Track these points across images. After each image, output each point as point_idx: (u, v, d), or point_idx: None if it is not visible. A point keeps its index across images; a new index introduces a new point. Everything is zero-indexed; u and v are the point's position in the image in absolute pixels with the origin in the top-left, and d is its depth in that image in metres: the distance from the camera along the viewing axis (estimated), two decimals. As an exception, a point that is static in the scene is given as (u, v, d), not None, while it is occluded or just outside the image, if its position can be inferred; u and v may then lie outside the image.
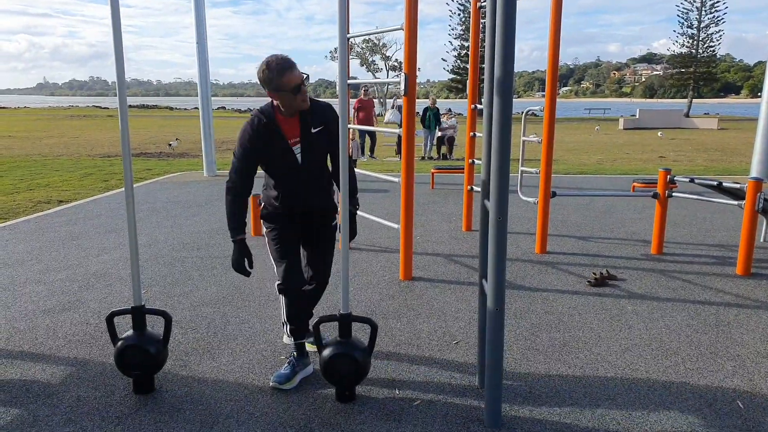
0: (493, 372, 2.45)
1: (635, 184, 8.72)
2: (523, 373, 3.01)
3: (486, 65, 2.53)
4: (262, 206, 2.89)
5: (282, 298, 2.89)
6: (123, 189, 8.75)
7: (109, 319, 2.73)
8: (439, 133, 14.86)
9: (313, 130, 2.77)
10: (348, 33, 5.02)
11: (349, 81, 5.11)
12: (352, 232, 3.00)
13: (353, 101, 12.29)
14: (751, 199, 4.69)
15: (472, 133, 5.94)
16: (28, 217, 6.64)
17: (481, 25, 5.78)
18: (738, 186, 5.20)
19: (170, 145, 16.42)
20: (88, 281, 4.36)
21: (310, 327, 2.95)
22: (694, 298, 4.19)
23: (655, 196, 5.29)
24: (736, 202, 5.00)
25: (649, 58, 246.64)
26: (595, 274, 4.60)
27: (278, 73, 2.60)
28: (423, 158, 14.61)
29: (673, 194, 5.31)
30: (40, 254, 5.06)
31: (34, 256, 4.99)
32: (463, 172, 9.08)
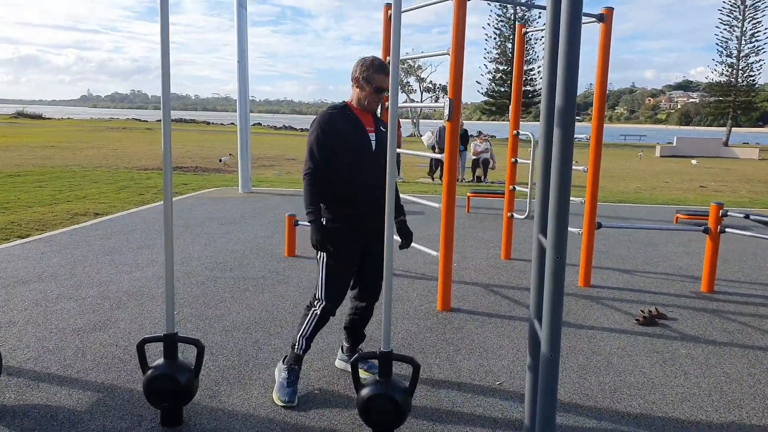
0: (545, 425, 2.25)
1: (678, 215, 8.38)
2: (572, 425, 2.79)
3: (543, 93, 2.39)
4: (326, 222, 2.90)
5: (316, 319, 2.93)
6: (158, 203, 8.79)
7: (140, 346, 2.63)
8: (473, 156, 14.68)
9: (382, 129, 3.00)
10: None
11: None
12: (410, 238, 3.18)
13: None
14: (814, 238, 4.40)
15: (513, 159, 5.76)
16: (64, 229, 6.69)
17: (521, 51, 5.64)
18: (799, 224, 4.89)
19: (221, 160, 16.20)
20: (120, 299, 4.30)
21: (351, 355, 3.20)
22: (752, 343, 3.90)
23: (706, 230, 5.02)
24: (796, 241, 4.70)
25: (686, 86, 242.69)
26: (643, 311, 4.35)
27: (376, 69, 2.86)
28: (459, 181, 14.48)
29: (726, 230, 5.02)
30: (73, 269, 5.04)
31: (68, 271, 4.97)
32: (500, 197, 8.90)
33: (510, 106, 5.79)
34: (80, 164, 14.99)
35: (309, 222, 2.85)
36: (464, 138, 14.53)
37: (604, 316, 4.32)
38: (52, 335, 3.60)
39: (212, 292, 4.57)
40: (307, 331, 2.94)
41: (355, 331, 3.23)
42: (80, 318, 3.90)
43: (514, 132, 5.72)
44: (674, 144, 33.91)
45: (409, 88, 50.94)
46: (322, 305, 2.91)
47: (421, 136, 13.82)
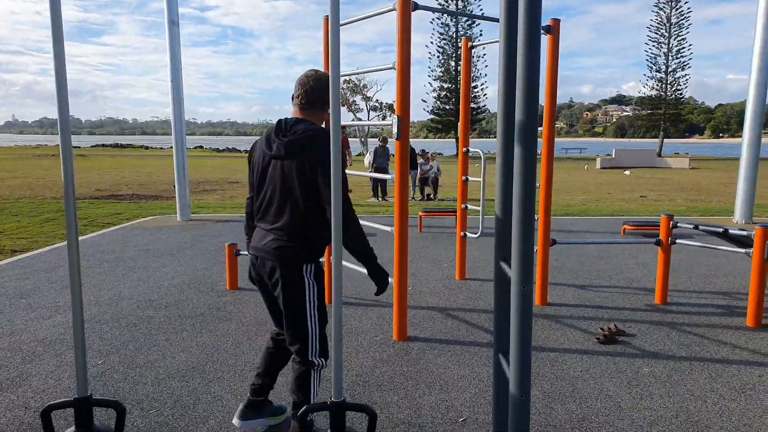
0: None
1: (626, 227, 8.48)
2: (547, 463, 2.56)
3: (499, 108, 2.19)
4: (309, 252, 2.44)
5: (315, 377, 2.51)
6: (88, 236, 8.17)
7: (46, 414, 2.22)
8: (419, 176, 14.62)
9: None
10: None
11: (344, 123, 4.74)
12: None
13: None
14: (760, 247, 4.41)
15: (464, 178, 5.60)
16: (-24, 269, 6.04)
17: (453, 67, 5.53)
18: (746, 233, 4.92)
19: (175, 187, 15.35)
20: (35, 350, 3.80)
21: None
22: (710, 355, 3.83)
23: (658, 243, 4.98)
24: (743, 251, 4.72)
25: (620, 100, 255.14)
26: (603, 329, 4.22)
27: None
28: (411, 198, 14.36)
29: (677, 241, 5.00)
30: (-17, 315, 4.48)
31: (-23, 318, 4.41)
32: (452, 215, 8.76)
33: (458, 124, 5.65)
34: (1, 196, 13.95)
35: (374, 260, 2.47)
36: (412, 156, 14.47)
37: (564, 336, 4.16)
38: (-50, 399, 3.10)
39: (144, 334, 4.13)
40: (312, 394, 2.52)
41: (275, 374, 2.80)
42: (-14, 375, 3.40)
43: (464, 150, 5.57)
44: (613, 156, 35.22)
45: (356, 107, 50.96)
46: (322, 358, 2.51)
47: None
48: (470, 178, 5.64)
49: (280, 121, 2.48)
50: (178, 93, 9.56)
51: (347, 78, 50.17)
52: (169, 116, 9.73)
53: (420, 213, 8.74)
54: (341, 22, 4.50)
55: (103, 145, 58.93)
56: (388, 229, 4.16)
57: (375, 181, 13.95)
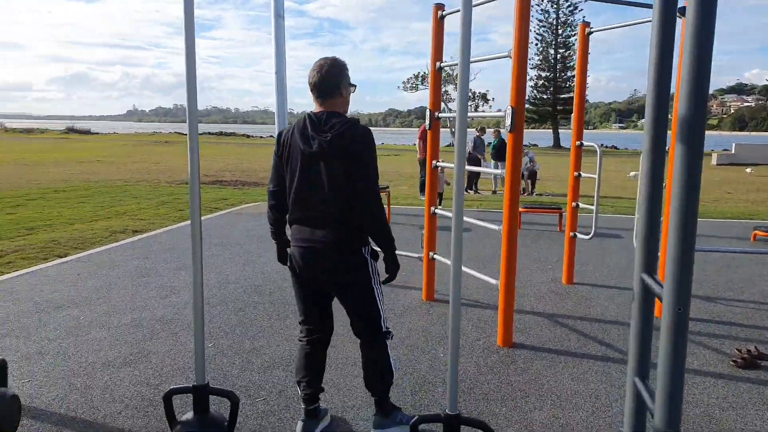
0: None
1: (757, 232, 7.65)
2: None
3: (649, 102, 1.94)
4: (362, 235, 2.57)
5: (389, 350, 2.71)
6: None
7: (167, 399, 2.28)
8: None
9: None
10: (441, 62, 4.54)
11: (442, 114, 4.60)
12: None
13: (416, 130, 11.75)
14: None
15: (576, 173, 5.26)
16: (102, 248, 6.52)
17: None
18: None
19: None
20: (153, 328, 4.00)
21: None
22: None
23: (804, 254, 4.40)
24: None
25: (740, 89, 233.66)
26: (740, 351, 3.77)
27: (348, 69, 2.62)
28: (494, 192, 13.88)
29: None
30: (108, 292, 4.80)
31: (102, 295, 4.72)
32: (554, 212, 8.35)
33: (572, 114, 5.30)
34: (123, 179, 15.12)
35: (393, 249, 2.59)
36: (503, 148, 13.97)
37: (694, 356, 3.77)
38: (81, 370, 3.31)
39: (250, 320, 4.23)
40: (393, 365, 2.73)
41: (321, 375, 2.80)
42: (111, 350, 3.61)
43: (577, 143, 5.23)
44: (732, 151, 32.27)
45: (448, 96, 50.41)
46: (388, 329, 2.72)
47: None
48: (583, 174, 5.28)
49: (310, 115, 2.53)
50: (282, 83, 9.81)
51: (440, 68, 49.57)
52: (269, 106, 10.05)
53: (519, 209, 8.39)
54: (447, 11, 4.31)
55: (209, 133, 62.54)
56: (496, 227, 3.96)
57: (470, 172, 13.60)
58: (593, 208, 5.23)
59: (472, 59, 4.60)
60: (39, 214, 8.68)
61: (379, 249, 2.59)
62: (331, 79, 2.52)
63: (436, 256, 4.70)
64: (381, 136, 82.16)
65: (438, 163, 4.60)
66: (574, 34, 47.86)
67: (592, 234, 5.15)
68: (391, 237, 2.56)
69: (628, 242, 7.31)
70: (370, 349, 2.68)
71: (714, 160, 30.85)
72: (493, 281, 4.01)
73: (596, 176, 5.09)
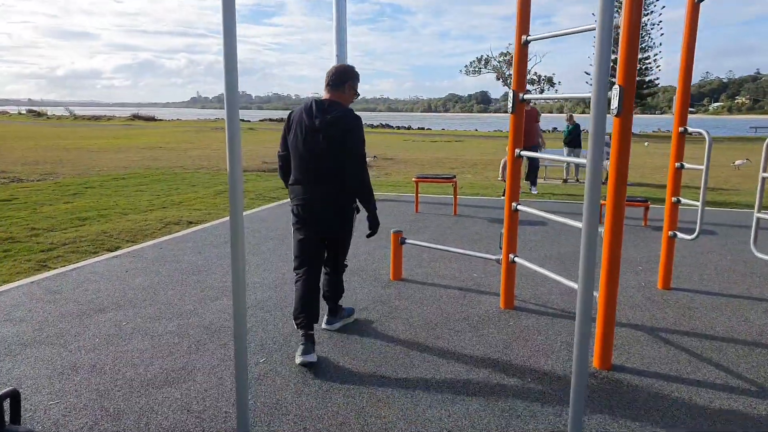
0: None
1: None
2: None
3: None
4: (352, 199, 3.41)
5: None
6: (255, 210, 8.30)
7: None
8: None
9: None
10: (528, 35, 3.91)
11: (529, 96, 3.98)
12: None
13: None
14: None
15: (678, 164, 4.52)
16: (154, 240, 6.27)
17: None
18: None
19: (374, 157, 15.24)
20: (200, 338, 3.62)
21: None
22: None
23: None
24: None
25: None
26: None
27: (358, 76, 3.43)
28: (565, 181, 12.97)
29: None
30: (155, 292, 4.48)
31: (150, 295, 4.41)
32: (639, 205, 7.48)
33: (675, 96, 4.55)
34: (183, 165, 15.16)
35: (374, 210, 3.41)
36: (577, 134, 12.99)
37: None
38: (117, 389, 2.95)
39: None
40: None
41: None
42: (152, 364, 3.24)
43: (680, 129, 4.48)
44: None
45: (512, 80, 48.76)
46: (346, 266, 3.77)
47: None
48: (686, 165, 4.53)
49: (317, 100, 3.31)
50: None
51: (505, 51, 48.25)
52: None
53: (601, 201, 7.60)
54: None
55: (270, 119, 63.35)
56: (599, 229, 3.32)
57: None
58: (696, 203, 4.48)
59: (571, 30, 3.88)
60: (95, 203, 8.61)
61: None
62: (341, 76, 3.35)
63: (517, 259, 4.10)
64: (442, 122, 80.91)
65: (523, 153, 3.98)
66: (648, 13, 45.13)
67: (696, 233, 4.42)
68: (373, 199, 3.38)
69: (725, 240, 6.45)
70: (337, 275, 3.71)
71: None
72: (595, 293, 3.38)
73: (703, 168, 4.33)
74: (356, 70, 3.43)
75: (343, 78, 3.35)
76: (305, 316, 3.33)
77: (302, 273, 3.43)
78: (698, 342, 3.66)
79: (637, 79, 45.96)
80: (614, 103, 3.04)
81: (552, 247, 6.11)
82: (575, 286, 3.59)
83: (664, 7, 46.88)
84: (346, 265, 3.74)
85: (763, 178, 4.37)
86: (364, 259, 5.51)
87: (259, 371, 3.18)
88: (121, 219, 7.43)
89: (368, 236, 3.45)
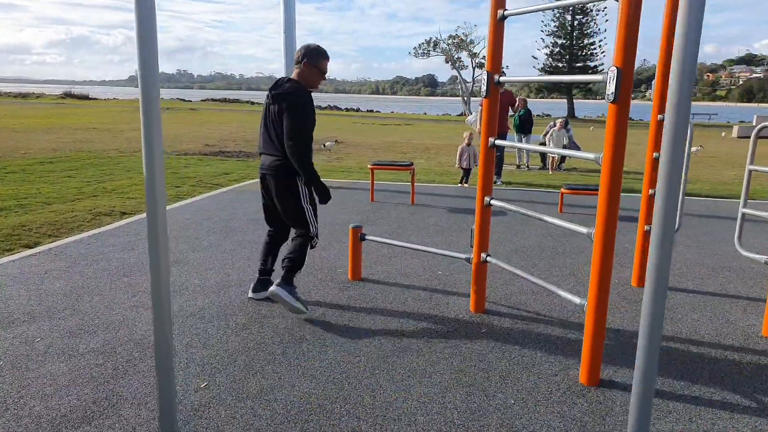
0: None
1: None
2: None
3: None
4: (310, 166, 3.58)
5: (312, 246, 3.77)
6: (195, 198, 7.64)
7: None
8: (545, 141, 12.89)
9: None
10: (504, 9, 3.51)
11: (505, 78, 3.58)
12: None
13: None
14: None
15: (655, 155, 4.26)
16: (81, 235, 5.57)
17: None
18: None
19: (324, 146, 14.67)
20: (130, 356, 3.08)
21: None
22: None
23: None
24: None
25: (749, 60, 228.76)
26: None
27: (322, 54, 3.62)
28: (518, 167, 12.82)
29: None
30: (78, 299, 3.87)
31: (71, 303, 3.80)
32: (594, 194, 7.23)
33: (653, 83, 4.27)
34: (118, 148, 14.12)
35: (317, 182, 3.59)
36: (529, 120, 12.80)
37: None
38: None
39: (256, 343, 3.30)
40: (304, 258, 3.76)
41: (275, 257, 4.05)
42: (68, 394, 2.69)
43: (659, 117, 4.21)
44: (754, 123, 30.97)
45: (461, 63, 48.74)
46: (314, 237, 3.76)
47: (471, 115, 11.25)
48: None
49: (280, 78, 3.68)
50: (291, 43, 8.69)
51: (453, 34, 48.17)
52: (273, 72, 9.01)
53: (562, 190, 7.38)
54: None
55: (212, 100, 61.05)
56: (583, 230, 2.98)
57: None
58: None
59: (557, 3, 3.48)
60: (14, 191, 7.71)
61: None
62: (299, 54, 3.58)
63: (490, 259, 3.74)
64: (391, 104, 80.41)
65: (497, 142, 3.59)
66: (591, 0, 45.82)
67: (677, 227, 4.18)
68: (310, 170, 3.53)
69: (689, 231, 6.35)
70: (297, 239, 3.73)
71: (734, 132, 29.57)
72: (576, 300, 3.06)
73: (684, 158, 4.08)
74: (320, 49, 3.61)
75: (300, 56, 3.58)
76: (260, 264, 3.97)
77: (266, 234, 4.01)
78: (685, 349, 3.41)
79: (583, 64, 47.16)
80: (610, 88, 2.68)
81: (516, 240, 5.82)
82: (556, 290, 3.27)
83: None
84: (311, 238, 3.73)
85: (750, 171, 4.16)
86: (318, 255, 5.04)
87: (200, 400, 2.69)
88: (44, 210, 6.63)
89: (320, 203, 3.70)
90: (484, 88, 3.56)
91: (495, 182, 9.65)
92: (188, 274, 4.47)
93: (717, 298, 4.29)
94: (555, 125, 12.86)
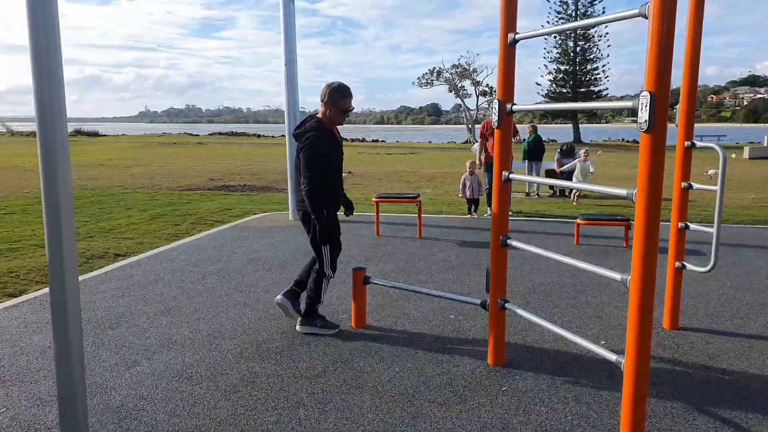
0: None
1: None
2: None
3: None
4: (316, 202, 3.75)
5: (327, 281, 4.01)
6: (195, 237, 7.33)
7: None
8: (558, 170, 12.31)
9: (341, 136, 4.10)
10: (516, 33, 3.22)
11: (519, 107, 3.26)
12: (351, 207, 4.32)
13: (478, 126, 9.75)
14: None
15: (685, 184, 3.91)
16: (69, 281, 5.25)
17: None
18: None
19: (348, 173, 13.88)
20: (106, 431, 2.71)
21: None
22: None
23: None
24: None
25: (752, 81, 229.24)
26: None
27: (342, 93, 3.81)
28: (528, 194, 12.45)
29: None
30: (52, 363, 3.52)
31: (47, 362, 3.45)
32: (620, 224, 6.81)
33: (678, 108, 3.94)
34: (122, 184, 13.94)
35: (320, 221, 3.75)
36: (540, 146, 12.45)
37: None
38: None
39: (246, 408, 2.93)
40: (323, 294, 4.02)
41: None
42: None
43: (686, 143, 3.87)
44: (765, 144, 30.54)
45: (464, 92, 48.87)
46: (331, 273, 3.94)
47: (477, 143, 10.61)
48: (694, 185, 3.92)
49: (304, 118, 3.99)
50: (292, 77, 8.50)
51: (456, 63, 48.40)
52: (280, 106, 8.77)
53: (578, 220, 6.98)
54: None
55: (219, 133, 61.55)
56: (616, 276, 2.61)
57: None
58: (710, 230, 3.86)
59: (599, 19, 3.14)
60: (8, 233, 7.45)
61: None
62: (322, 94, 3.80)
63: (508, 306, 3.36)
64: (396, 134, 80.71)
65: (512, 176, 3.26)
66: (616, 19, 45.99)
67: (712, 265, 3.80)
68: (315, 208, 3.71)
69: (718, 262, 5.92)
70: (314, 275, 3.98)
71: (746, 154, 29.12)
72: (611, 356, 2.67)
73: (717, 188, 3.72)
74: (340, 88, 3.79)
75: (323, 96, 3.80)
76: (298, 275, 4.20)
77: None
78: (741, 412, 2.96)
79: (587, 89, 47.15)
80: (643, 116, 2.34)
81: (533, 277, 5.43)
82: (587, 344, 2.88)
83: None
84: (325, 274, 3.90)
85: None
86: (321, 299, 4.67)
87: (179, 486, 2.31)
88: (35, 253, 6.34)
89: (319, 242, 3.86)
90: (495, 117, 3.25)
91: (488, 213, 8.81)
92: (178, 324, 4.12)
93: (763, 342, 3.87)
94: (579, 156, 11.73)
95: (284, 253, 6.39)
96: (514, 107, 3.23)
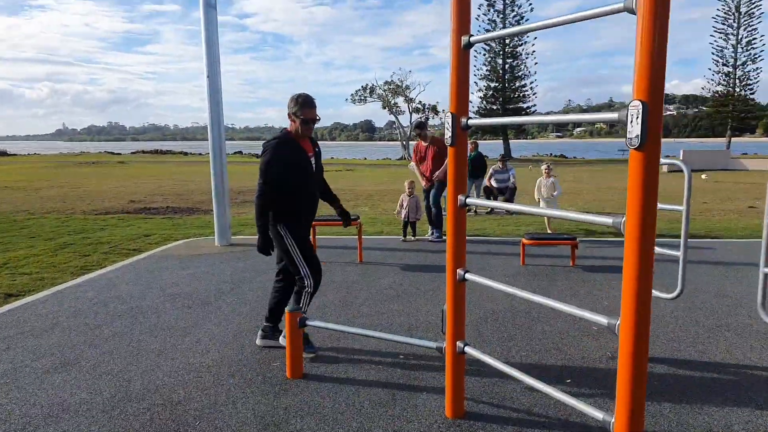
0: None
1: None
2: None
3: None
4: (277, 217, 3.75)
5: (307, 293, 3.82)
6: (105, 270, 6.49)
7: None
8: (493, 183, 12.21)
9: (316, 149, 4.02)
10: (471, 35, 2.81)
11: (475, 121, 2.85)
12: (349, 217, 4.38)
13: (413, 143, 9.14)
14: None
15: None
16: (-59, 332, 4.36)
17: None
18: None
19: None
20: None
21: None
22: None
23: None
24: None
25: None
26: None
27: (303, 104, 3.73)
28: (475, 212, 12.19)
29: None
30: None
31: None
32: (567, 243, 6.46)
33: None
34: (29, 209, 12.61)
35: (260, 229, 3.72)
36: (481, 163, 12.29)
37: None
38: None
39: (154, 502, 2.29)
40: (305, 303, 3.84)
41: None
42: None
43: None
44: (681, 157, 32.31)
45: (397, 108, 49.18)
46: (312, 281, 3.82)
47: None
48: (662, 206, 3.65)
49: None
50: (216, 87, 7.83)
51: (389, 80, 48.63)
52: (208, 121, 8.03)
53: (523, 240, 6.69)
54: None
55: (143, 152, 58.78)
56: (602, 320, 2.21)
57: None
58: (677, 254, 3.60)
59: (583, 14, 2.71)
60: None
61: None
62: (288, 107, 3.80)
63: (468, 350, 2.91)
64: (331, 150, 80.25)
65: (471, 201, 2.83)
66: (522, 44, 47.78)
67: (678, 291, 3.52)
68: (258, 215, 3.69)
69: (758, 310, 5.78)
70: (296, 286, 3.88)
71: (664, 168, 30.65)
72: (597, 414, 2.25)
73: (683, 207, 3.47)
74: (300, 99, 3.72)
75: (288, 109, 3.78)
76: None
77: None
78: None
79: (512, 106, 48.58)
80: (634, 130, 1.97)
81: (484, 304, 5.04)
82: (568, 399, 2.47)
83: (536, 38, 50.08)
84: (303, 281, 3.80)
85: None
86: (248, 346, 4.07)
87: None
88: None
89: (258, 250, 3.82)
90: (448, 134, 2.81)
91: (430, 234, 8.27)
92: (75, 383, 3.41)
93: (725, 366, 3.62)
94: (542, 173, 10.61)
95: (208, 286, 5.71)
96: (470, 121, 2.81)
